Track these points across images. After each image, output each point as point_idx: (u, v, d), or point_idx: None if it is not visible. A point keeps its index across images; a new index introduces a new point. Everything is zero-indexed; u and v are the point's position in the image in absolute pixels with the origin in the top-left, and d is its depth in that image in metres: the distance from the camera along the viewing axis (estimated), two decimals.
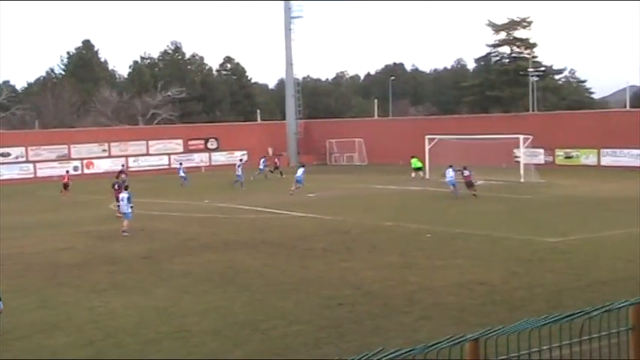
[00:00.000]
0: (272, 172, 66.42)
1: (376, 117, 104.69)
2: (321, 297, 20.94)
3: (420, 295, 20.87)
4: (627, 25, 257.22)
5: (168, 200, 49.11)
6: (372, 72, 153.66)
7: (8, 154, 75.50)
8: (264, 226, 35.97)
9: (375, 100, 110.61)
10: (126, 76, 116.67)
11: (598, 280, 22.23)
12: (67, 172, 63.24)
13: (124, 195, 35.66)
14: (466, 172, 46.06)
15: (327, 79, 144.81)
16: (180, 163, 68.29)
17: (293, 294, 21.43)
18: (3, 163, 74.87)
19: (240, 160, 65.03)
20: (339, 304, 20.05)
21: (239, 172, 57.41)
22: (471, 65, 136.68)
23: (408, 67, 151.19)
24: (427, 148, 60.66)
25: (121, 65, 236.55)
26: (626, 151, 64.76)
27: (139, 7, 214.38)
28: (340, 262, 26.20)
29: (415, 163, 60.20)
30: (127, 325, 18.41)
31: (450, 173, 46.80)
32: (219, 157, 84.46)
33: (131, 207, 34.87)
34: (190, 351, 16.47)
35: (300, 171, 50.90)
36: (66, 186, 57.58)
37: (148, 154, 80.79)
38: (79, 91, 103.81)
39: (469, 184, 45.64)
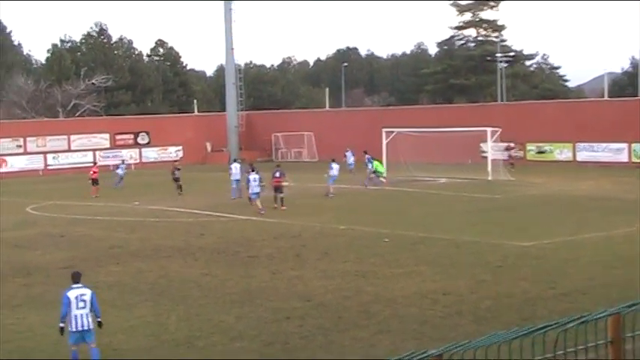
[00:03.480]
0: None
1: (327, 108, 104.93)
2: (266, 310, 20.91)
3: (377, 306, 20.95)
4: (606, 7, 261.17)
5: (92, 202, 48.62)
6: (323, 57, 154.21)
7: None
8: (203, 230, 35.80)
9: (327, 89, 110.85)
10: (43, 61, 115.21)
11: (574, 288, 22.50)
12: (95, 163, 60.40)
13: (255, 176, 41.39)
14: (277, 174, 42.93)
15: (272, 66, 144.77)
16: (123, 161, 65.37)
17: (235, 307, 21.36)
18: None
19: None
20: (287, 317, 20.05)
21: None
22: (432, 50, 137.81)
23: (363, 53, 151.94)
24: (384, 142, 60.85)
25: (37, 49, 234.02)
26: (604, 145, 65.61)
27: None
28: (288, 270, 26.19)
29: (378, 166, 58.52)
30: (45, 345, 18.17)
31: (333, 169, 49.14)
32: (151, 154, 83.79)
33: (262, 185, 41.39)
34: None
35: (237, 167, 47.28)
36: (95, 182, 53.78)
37: (69, 151, 79.70)
38: None
39: (277, 189, 42.54)
